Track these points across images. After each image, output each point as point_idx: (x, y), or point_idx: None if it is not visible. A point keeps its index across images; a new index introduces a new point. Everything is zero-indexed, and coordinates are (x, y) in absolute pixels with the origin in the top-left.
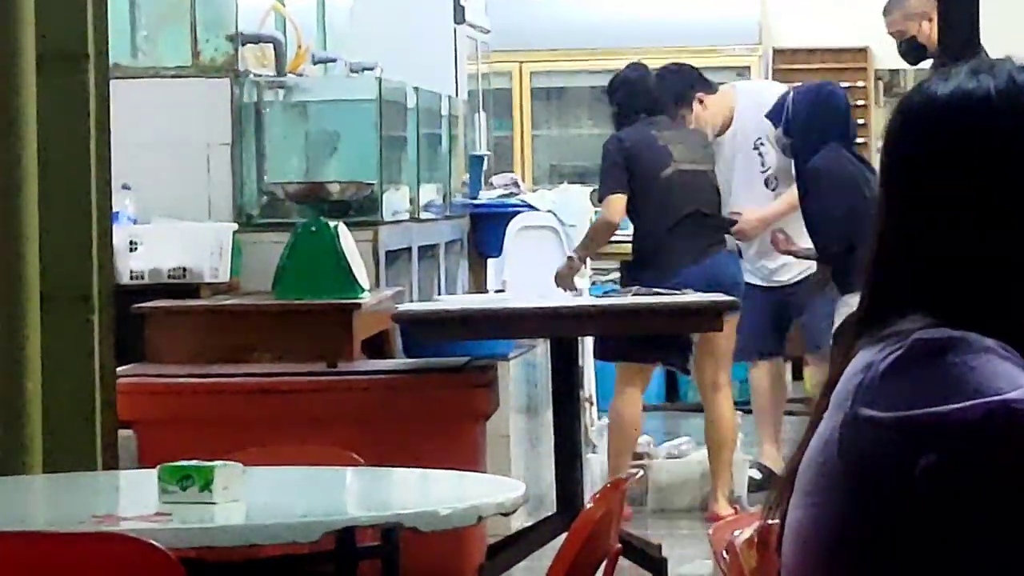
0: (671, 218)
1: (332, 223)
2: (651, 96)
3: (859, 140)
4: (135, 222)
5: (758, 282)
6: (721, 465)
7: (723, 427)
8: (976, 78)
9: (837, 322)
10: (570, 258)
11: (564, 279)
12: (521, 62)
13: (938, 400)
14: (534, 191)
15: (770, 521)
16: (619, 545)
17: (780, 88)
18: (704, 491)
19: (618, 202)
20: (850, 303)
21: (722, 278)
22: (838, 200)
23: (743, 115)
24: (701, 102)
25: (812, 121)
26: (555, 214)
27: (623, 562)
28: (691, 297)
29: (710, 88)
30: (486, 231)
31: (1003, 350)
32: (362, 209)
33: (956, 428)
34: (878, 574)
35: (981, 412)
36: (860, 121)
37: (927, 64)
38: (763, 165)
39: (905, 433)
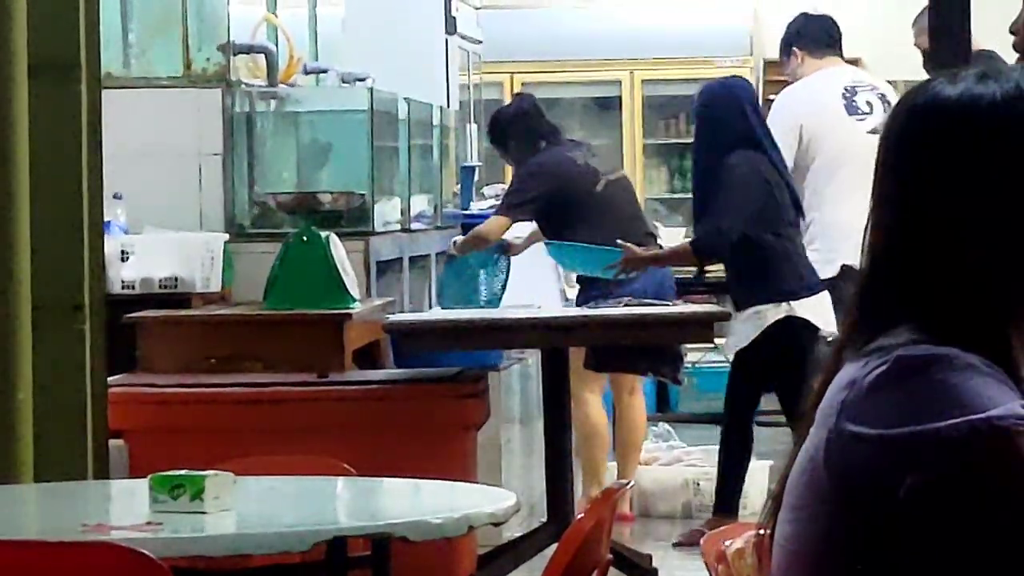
0: (616, 229)
1: (323, 233)
2: (548, 122)
3: None
4: (126, 232)
5: None
6: (630, 466)
7: (637, 430)
8: (984, 83)
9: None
10: (453, 244)
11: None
12: (513, 73)
13: (922, 417)
14: None
15: (763, 532)
16: (610, 555)
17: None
18: (688, 498)
19: (505, 226)
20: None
21: (666, 286)
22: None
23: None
24: (796, 56)
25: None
26: None
27: (614, 572)
28: (682, 308)
29: (811, 48)
30: None
31: (985, 366)
32: (353, 219)
33: (941, 446)
34: None
35: (966, 429)
36: None
37: None
38: None
39: (890, 450)
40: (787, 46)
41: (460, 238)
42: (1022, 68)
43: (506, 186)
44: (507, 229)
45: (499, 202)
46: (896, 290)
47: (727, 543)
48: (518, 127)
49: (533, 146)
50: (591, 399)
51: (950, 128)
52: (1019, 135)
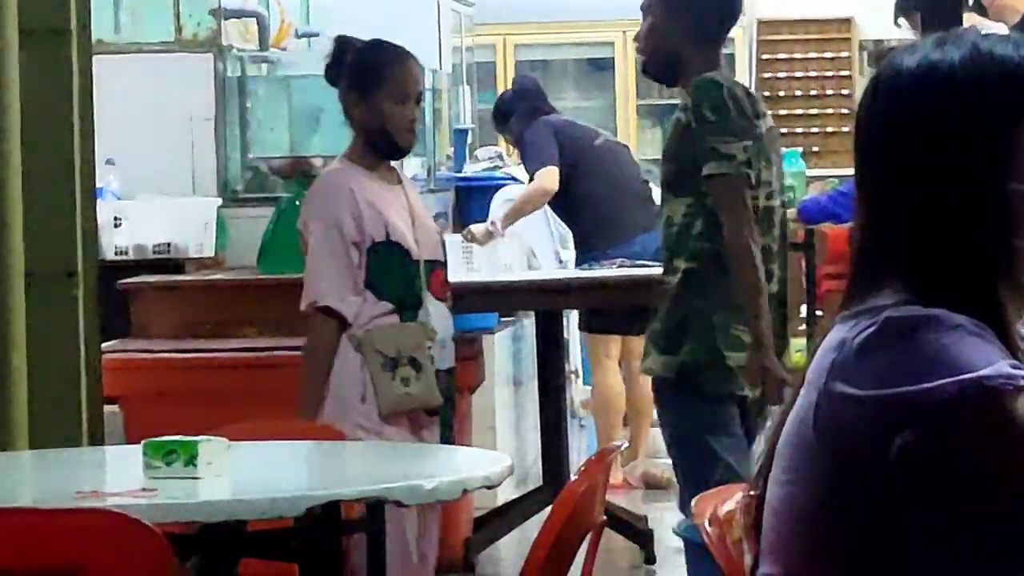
0: (619, 184)
1: None
2: (547, 101)
3: (844, 111)
4: (119, 198)
5: None
6: (642, 432)
7: (646, 396)
8: (941, 49)
9: None
10: (493, 223)
11: (478, 241)
12: (505, 35)
13: (912, 378)
14: (519, 164)
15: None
16: (604, 517)
17: None
18: None
19: (554, 172)
20: None
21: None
22: None
23: None
24: None
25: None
26: None
27: (609, 534)
28: None
29: None
30: (471, 204)
31: (973, 327)
32: None
33: (931, 406)
34: (853, 549)
35: (955, 389)
36: (845, 92)
37: (989, 24)
38: None
39: (880, 411)
40: None
41: (503, 213)
42: (977, 30)
43: (501, 149)
44: (556, 175)
45: (531, 164)
46: (885, 252)
47: (719, 505)
48: (519, 104)
49: (533, 120)
50: (608, 364)
51: (913, 95)
52: (977, 95)
